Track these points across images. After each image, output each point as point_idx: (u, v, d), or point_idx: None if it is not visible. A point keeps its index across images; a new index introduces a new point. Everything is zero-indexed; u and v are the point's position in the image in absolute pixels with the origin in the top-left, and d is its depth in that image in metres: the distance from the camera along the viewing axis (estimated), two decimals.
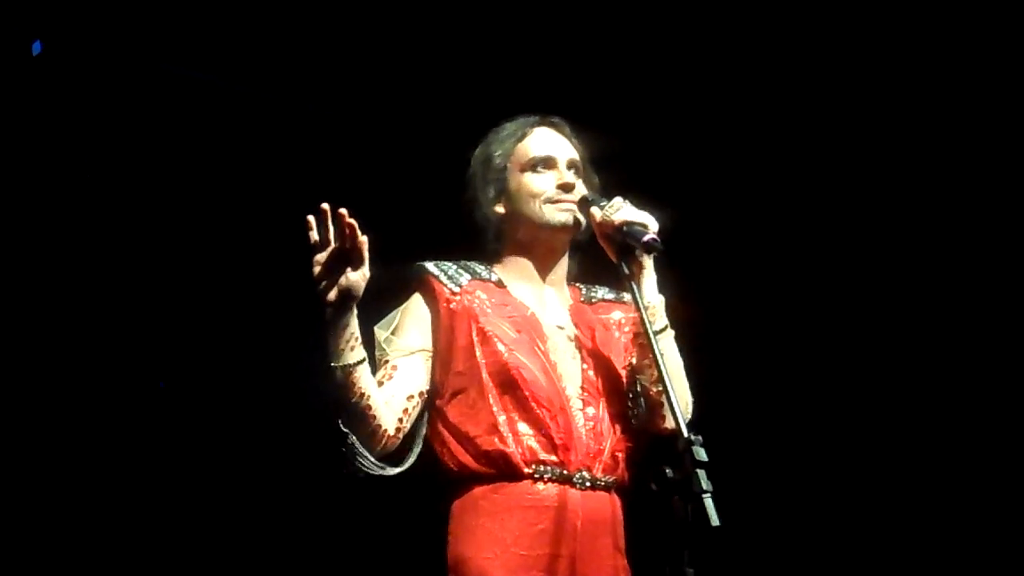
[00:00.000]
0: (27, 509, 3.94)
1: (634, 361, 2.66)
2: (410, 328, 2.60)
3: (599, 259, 2.69)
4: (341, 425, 2.42)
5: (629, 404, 2.63)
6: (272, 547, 4.09)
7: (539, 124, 2.75)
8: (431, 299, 2.63)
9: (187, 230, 4.15)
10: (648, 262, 2.59)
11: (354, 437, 2.42)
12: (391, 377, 2.54)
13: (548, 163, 2.70)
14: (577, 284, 2.79)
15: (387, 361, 2.56)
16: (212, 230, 4.16)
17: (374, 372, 2.49)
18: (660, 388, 2.52)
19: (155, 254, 4.12)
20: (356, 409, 2.42)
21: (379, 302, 2.62)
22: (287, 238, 4.15)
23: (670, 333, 2.61)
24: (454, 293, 2.61)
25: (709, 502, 2.08)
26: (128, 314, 4.10)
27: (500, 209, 2.71)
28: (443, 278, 2.63)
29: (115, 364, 4.09)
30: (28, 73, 3.95)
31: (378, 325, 2.61)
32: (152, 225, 4.11)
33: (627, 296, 2.75)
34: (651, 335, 2.37)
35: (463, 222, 2.73)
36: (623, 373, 2.66)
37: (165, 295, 4.13)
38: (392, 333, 2.59)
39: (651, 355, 2.39)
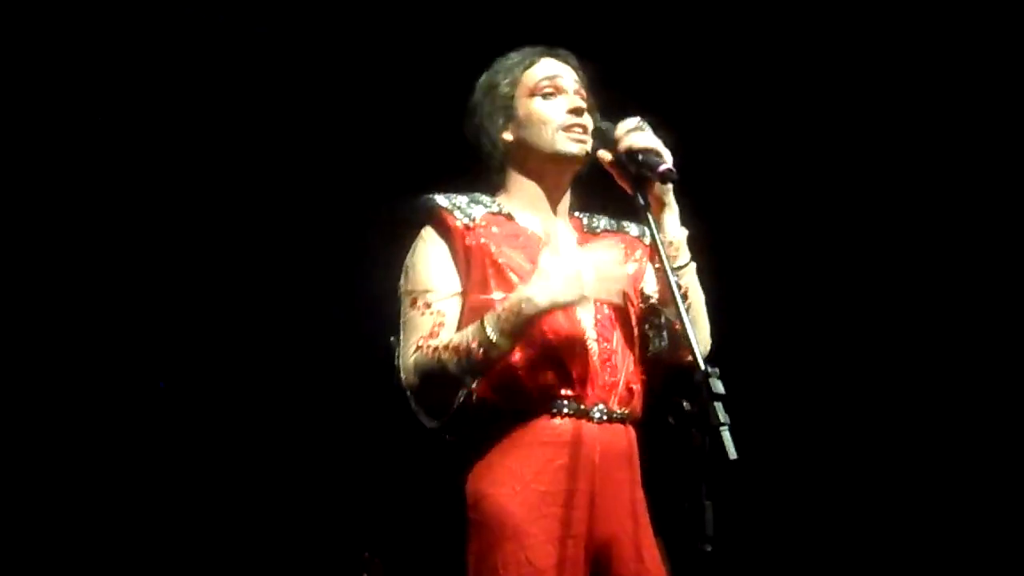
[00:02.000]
0: (27, 509, 3.99)
1: (656, 295, 2.64)
2: (440, 268, 2.56)
3: (598, 188, 2.66)
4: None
5: (650, 335, 2.61)
6: (270, 548, 4.13)
7: (545, 54, 2.69)
8: (446, 234, 2.58)
9: (185, 230, 4.15)
10: (669, 196, 2.54)
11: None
12: (443, 325, 2.51)
13: (557, 89, 2.65)
14: (576, 214, 2.74)
15: (429, 304, 2.52)
16: (210, 230, 4.16)
17: (410, 307, 2.52)
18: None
19: (155, 254, 4.13)
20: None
21: (385, 236, 2.62)
22: (283, 238, 4.19)
23: (692, 267, 2.57)
24: (468, 228, 2.56)
25: (727, 435, 2.06)
26: (128, 314, 4.10)
27: (508, 136, 2.65)
28: (456, 212, 2.57)
29: (115, 364, 4.10)
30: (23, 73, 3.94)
31: (413, 256, 2.58)
32: (151, 226, 4.12)
33: (627, 224, 2.73)
34: (669, 270, 2.34)
35: (466, 153, 2.69)
36: (634, 303, 2.63)
37: (165, 295, 4.14)
38: (424, 270, 2.56)
39: (670, 291, 2.35)
